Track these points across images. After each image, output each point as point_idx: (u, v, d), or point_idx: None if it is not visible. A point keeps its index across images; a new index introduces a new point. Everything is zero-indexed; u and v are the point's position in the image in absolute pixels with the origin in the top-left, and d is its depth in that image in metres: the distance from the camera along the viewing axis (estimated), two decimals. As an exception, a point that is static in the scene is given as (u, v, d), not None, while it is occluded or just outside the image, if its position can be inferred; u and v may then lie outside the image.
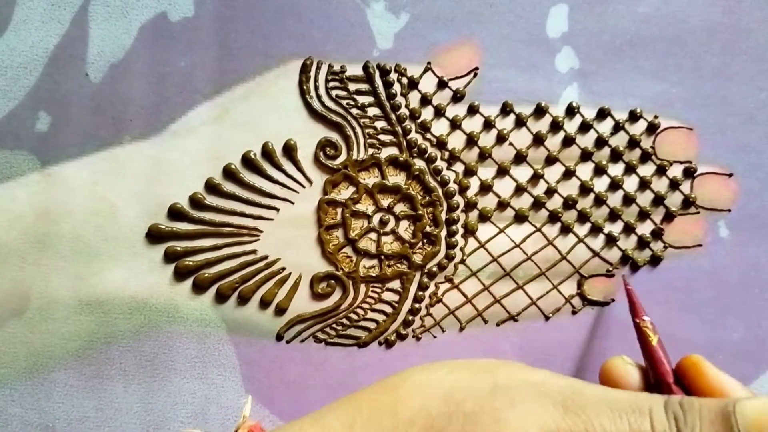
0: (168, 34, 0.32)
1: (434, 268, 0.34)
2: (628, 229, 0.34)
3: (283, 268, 0.33)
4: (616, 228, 0.34)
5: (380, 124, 0.33)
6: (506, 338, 0.34)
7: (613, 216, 0.34)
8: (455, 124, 0.33)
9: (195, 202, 0.33)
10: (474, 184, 0.34)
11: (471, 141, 0.34)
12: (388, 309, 0.34)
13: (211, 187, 0.33)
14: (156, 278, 0.33)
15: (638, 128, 0.34)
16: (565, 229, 0.34)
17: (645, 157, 0.34)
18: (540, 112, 0.34)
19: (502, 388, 0.23)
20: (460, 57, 0.33)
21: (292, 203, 0.33)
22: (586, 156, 0.34)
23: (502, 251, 0.34)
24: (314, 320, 0.34)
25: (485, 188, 0.34)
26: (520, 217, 0.34)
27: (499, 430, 0.21)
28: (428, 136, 0.34)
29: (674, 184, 0.34)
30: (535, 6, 0.33)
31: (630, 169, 0.34)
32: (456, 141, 0.34)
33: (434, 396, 0.23)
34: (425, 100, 0.33)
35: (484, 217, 0.34)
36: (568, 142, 0.34)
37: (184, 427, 0.33)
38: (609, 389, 0.24)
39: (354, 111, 0.33)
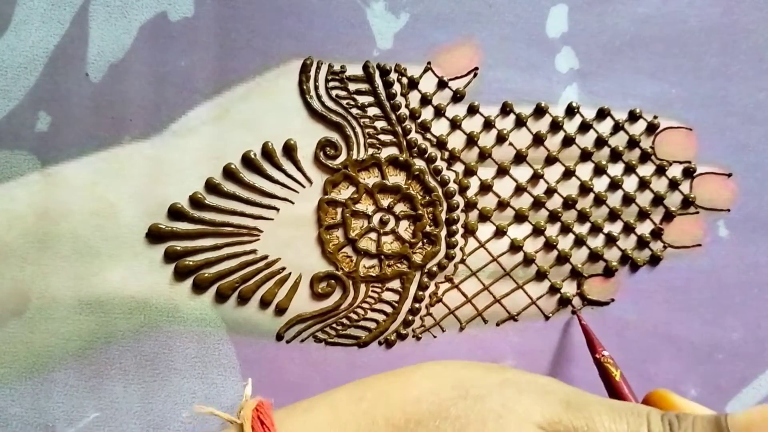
0: (168, 34, 0.32)
1: (434, 268, 0.34)
2: (628, 229, 0.34)
3: (283, 268, 0.33)
4: (615, 228, 0.34)
5: (380, 124, 0.33)
6: (506, 338, 0.34)
7: (613, 216, 0.34)
8: (455, 124, 0.33)
9: (195, 202, 0.33)
10: (474, 184, 0.34)
11: (471, 141, 0.34)
12: (388, 309, 0.34)
13: (211, 187, 0.33)
14: (156, 278, 0.33)
15: (638, 128, 0.34)
16: (565, 229, 0.34)
17: (644, 157, 0.34)
18: (540, 112, 0.34)
19: (511, 381, 0.24)
20: (460, 57, 0.33)
21: (292, 203, 0.33)
22: (585, 156, 0.34)
23: (502, 251, 0.34)
24: (314, 320, 0.34)
25: (485, 188, 0.34)
26: (520, 217, 0.34)
27: (504, 413, 0.22)
28: (428, 136, 0.34)
29: (674, 184, 0.34)
30: (535, 6, 0.33)
31: (630, 169, 0.34)
32: (456, 141, 0.34)
33: (445, 382, 0.24)
34: (425, 100, 0.33)
35: (484, 217, 0.34)
36: (567, 142, 0.34)
37: (183, 427, 0.33)
38: (609, 398, 0.24)
39: (354, 111, 0.33)
